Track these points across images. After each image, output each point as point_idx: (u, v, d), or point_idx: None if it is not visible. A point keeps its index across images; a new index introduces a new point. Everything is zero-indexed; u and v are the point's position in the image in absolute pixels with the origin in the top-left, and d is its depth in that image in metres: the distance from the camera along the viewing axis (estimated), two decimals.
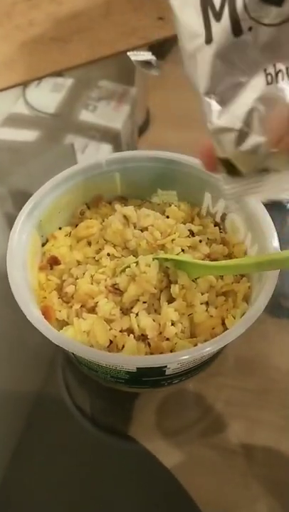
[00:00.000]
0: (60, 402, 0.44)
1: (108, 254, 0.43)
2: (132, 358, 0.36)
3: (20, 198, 0.60)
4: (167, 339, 0.39)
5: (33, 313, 0.35)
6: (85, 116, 0.70)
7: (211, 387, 0.44)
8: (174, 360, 0.35)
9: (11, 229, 0.40)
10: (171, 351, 0.38)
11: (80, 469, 0.41)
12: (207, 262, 0.41)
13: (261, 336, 0.46)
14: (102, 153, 0.65)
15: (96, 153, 0.65)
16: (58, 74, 0.75)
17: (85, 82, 0.75)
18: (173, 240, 0.43)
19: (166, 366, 0.36)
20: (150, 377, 0.39)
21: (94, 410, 0.44)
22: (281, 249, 0.39)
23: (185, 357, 0.34)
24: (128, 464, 0.41)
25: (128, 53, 0.57)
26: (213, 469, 0.40)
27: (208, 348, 0.34)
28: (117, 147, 0.66)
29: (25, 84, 0.74)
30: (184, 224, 0.44)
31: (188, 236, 0.43)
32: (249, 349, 0.46)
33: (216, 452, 0.41)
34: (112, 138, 0.68)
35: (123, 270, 0.41)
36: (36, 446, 0.42)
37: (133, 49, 0.77)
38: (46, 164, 0.64)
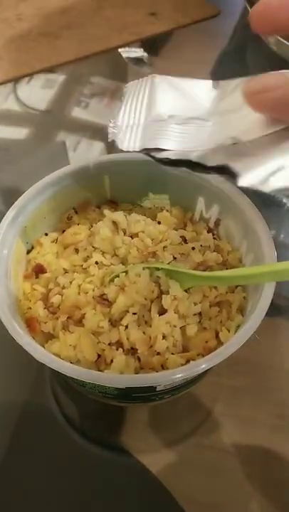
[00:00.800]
0: (47, 411, 0.43)
1: (96, 263, 0.41)
2: (120, 378, 0.34)
3: (10, 196, 0.59)
4: (158, 353, 0.37)
5: (15, 328, 0.34)
6: (77, 113, 0.69)
7: (204, 387, 0.43)
8: (166, 380, 0.33)
9: None
10: (162, 366, 0.36)
11: (69, 482, 0.40)
12: (200, 272, 0.39)
13: (255, 335, 0.46)
14: (94, 150, 0.63)
15: (88, 151, 0.63)
16: (50, 70, 0.73)
17: (77, 78, 0.73)
18: (164, 247, 0.41)
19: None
20: (140, 394, 0.37)
21: (83, 420, 0.43)
22: (278, 255, 0.37)
23: (177, 375, 0.32)
24: (118, 472, 0.40)
25: (119, 50, 0.55)
26: (205, 469, 0.40)
27: (202, 366, 0.33)
28: (110, 144, 0.65)
29: (13, 81, 0.72)
30: (176, 230, 0.42)
31: (180, 243, 0.42)
32: (243, 348, 0.45)
33: (209, 452, 0.41)
34: (105, 135, 0.66)
35: (112, 280, 0.39)
36: (22, 458, 0.41)
37: (124, 45, 0.75)
38: (37, 162, 0.63)
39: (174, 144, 0.29)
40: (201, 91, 0.28)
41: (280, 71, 0.25)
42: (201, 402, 0.43)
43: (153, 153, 0.30)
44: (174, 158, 0.28)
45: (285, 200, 0.54)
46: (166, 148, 0.29)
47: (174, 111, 0.28)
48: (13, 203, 0.40)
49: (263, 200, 0.41)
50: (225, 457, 0.40)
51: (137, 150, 0.30)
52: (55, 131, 0.66)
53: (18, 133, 0.66)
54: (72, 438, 0.42)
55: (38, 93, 0.71)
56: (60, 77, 0.73)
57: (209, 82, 0.28)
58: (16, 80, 0.72)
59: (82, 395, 0.42)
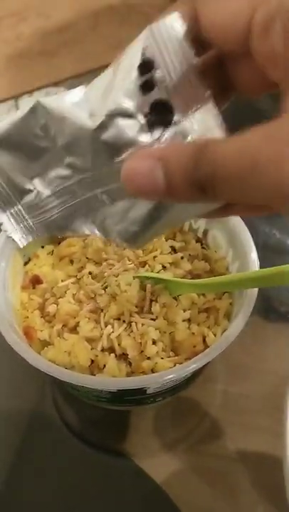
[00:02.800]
0: (47, 418, 0.44)
1: (90, 273, 0.43)
2: (111, 381, 0.36)
3: None
4: (148, 358, 0.38)
5: (12, 336, 0.36)
6: None
7: (207, 394, 0.44)
8: (154, 382, 0.35)
9: None
10: (152, 370, 0.38)
11: (70, 486, 0.41)
12: (188, 280, 0.41)
13: (257, 341, 0.47)
14: None
15: None
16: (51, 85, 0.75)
17: None
18: (155, 256, 0.43)
19: (146, 387, 0.36)
20: (132, 397, 0.39)
21: (83, 426, 0.44)
22: (263, 263, 0.39)
23: (165, 378, 0.34)
24: (119, 479, 0.41)
25: None
26: (208, 476, 0.40)
27: (187, 368, 0.35)
28: None
29: (13, 98, 0.74)
30: (166, 240, 0.44)
31: (170, 252, 0.44)
32: (245, 354, 0.46)
33: (212, 458, 0.41)
34: None
35: (104, 289, 0.41)
36: (23, 464, 0.42)
37: None
38: None
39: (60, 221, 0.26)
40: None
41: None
42: (203, 409, 0.44)
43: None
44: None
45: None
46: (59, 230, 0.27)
47: (29, 170, 0.25)
48: None
49: None
50: (228, 463, 0.41)
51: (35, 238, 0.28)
52: None
53: None
54: (72, 444, 0.43)
55: None
56: (60, 91, 0.75)
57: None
58: (15, 98, 0.74)
59: (83, 402, 0.43)
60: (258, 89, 0.23)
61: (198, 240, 0.46)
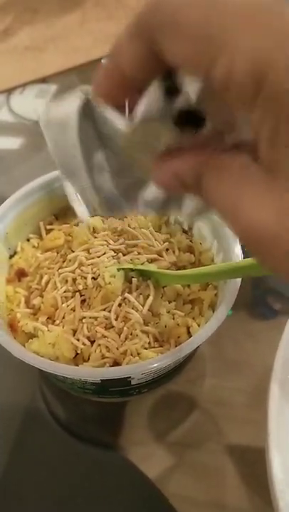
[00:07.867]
0: (37, 413, 0.44)
1: (78, 266, 0.43)
2: (94, 371, 0.36)
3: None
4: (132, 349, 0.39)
5: None
6: None
7: (200, 389, 0.44)
8: (137, 371, 0.35)
9: None
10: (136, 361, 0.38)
11: (60, 482, 0.41)
12: (173, 272, 0.41)
13: (250, 336, 0.47)
14: None
15: None
16: (42, 80, 0.75)
17: (68, 88, 0.75)
18: (142, 247, 0.43)
19: (130, 377, 0.36)
20: (116, 388, 0.39)
21: (73, 421, 0.44)
22: (247, 254, 0.39)
23: (148, 367, 0.34)
24: (109, 473, 0.41)
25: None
26: (199, 470, 0.40)
27: (170, 358, 0.35)
28: None
29: (3, 93, 0.74)
30: (151, 233, 0.44)
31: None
32: (239, 349, 0.46)
33: (203, 453, 0.41)
34: None
35: (92, 278, 0.41)
36: (13, 460, 0.42)
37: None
38: (30, 171, 0.64)
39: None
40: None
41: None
42: (197, 405, 0.44)
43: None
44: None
45: None
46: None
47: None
48: None
49: None
50: (219, 457, 0.41)
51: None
52: None
53: (12, 143, 0.69)
54: (63, 438, 0.43)
55: (31, 103, 0.73)
56: (52, 87, 0.75)
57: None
58: (9, 92, 0.74)
59: (72, 396, 0.43)
60: None
61: (185, 232, 0.46)
